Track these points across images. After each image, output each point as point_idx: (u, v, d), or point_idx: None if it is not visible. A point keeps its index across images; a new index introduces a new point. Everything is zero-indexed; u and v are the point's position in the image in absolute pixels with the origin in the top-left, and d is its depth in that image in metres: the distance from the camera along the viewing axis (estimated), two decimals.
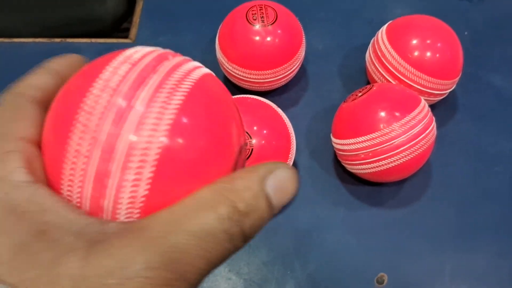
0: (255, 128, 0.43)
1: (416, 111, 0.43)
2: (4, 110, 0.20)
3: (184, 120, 0.18)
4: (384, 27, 0.50)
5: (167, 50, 0.21)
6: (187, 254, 0.17)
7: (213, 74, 0.22)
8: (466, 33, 0.59)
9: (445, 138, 0.51)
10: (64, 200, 0.18)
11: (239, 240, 0.18)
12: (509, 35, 0.59)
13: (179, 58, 0.21)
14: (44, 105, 0.21)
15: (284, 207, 0.20)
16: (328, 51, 0.58)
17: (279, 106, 0.49)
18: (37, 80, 0.22)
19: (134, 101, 0.18)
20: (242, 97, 0.47)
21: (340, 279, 0.45)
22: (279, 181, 0.19)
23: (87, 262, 0.16)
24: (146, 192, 0.18)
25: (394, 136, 0.42)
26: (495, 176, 0.49)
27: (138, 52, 0.20)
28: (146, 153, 0.17)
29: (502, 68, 0.56)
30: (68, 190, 0.18)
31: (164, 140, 0.18)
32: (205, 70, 0.21)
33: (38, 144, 0.20)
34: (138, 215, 0.18)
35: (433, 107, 0.52)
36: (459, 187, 0.49)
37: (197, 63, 0.21)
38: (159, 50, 0.21)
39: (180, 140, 0.18)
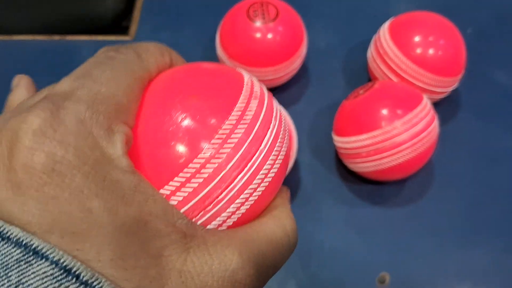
0: None
1: (418, 108, 0.42)
2: (125, 74, 0.19)
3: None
4: (386, 24, 0.50)
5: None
6: (266, 258, 0.19)
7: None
8: (469, 30, 0.58)
9: (449, 135, 0.51)
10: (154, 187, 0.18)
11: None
12: None
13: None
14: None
15: None
16: (331, 48, 0.58)
17: (281, 104, 0.48)
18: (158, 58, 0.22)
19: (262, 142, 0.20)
20: None
21: (341, 278, 0.44)
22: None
23: (189, 257, 0.17)
24: (243, 211, 0.20)
25: (396, 134, 0.41)
26: (499, 174, 0.49)
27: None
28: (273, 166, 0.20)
29: (507, 65, 0.56)
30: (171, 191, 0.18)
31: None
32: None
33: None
34: (230, 223, 0.20)
35: (436, 104, 0.52)
36: (462, 185, 0.48)
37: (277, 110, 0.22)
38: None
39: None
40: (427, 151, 0.43)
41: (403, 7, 0.60)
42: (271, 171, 0.20)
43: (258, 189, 0.20)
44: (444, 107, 0.52)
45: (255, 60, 0.48)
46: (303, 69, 0.55)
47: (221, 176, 0.18)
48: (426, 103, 0.43)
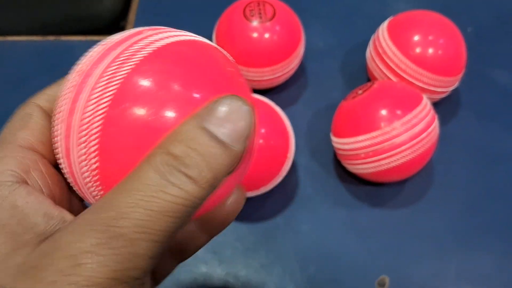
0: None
1: (418, 109, 0.42)
2: (15, 120, 0.22)
3: (129, 88, 0.18)
4: (385, 23, 0.49)
5: (154, 27, 0.21)
6: (122, 210, 0.16)
7: (200, 41, 0.21)
8: (469, 29, 0.57)
9: (449, 136, 0.50)
10: (44, 199, 0.19)
11: (186, 184, 0.17)
12: None
13: (155, 30, 0.20)
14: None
15: (248, 146, 0.18)
16: (329, 47, 0.57)
17: (278, 105, 0.48)
18: (51, 91, 0.23)
19: (88, 79, 0.18)
20: None
21: (340, 281, 0.43)
22: (223, 113, 0.17)
23: (33, 251, 0.17)
24: (97, 164, 0.18)
25: (395, 135, 0.41)
26: (499, 175, 0.48)
27: (122, 33, 0.21)
28: (90, 126, 0.18)
29: (507, 64, 0.55)
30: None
31: (105, 109, 0.18)
32: (181, 38, 0.21)
33: (42, 151, 0.21)
34: (100, 191, 0.19)
35: (436, 104, 0.51)
36: (462, 186, 0.48)
37: (179, 33, 0.21)
38: (143, 28, 0.21)
39: (124, 107, 0.18)
40: (427, 152, 0.42)
41: (401, 6, 0.60)
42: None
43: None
44: (444, 107, 0.52)
45: (252, 60, 0.47)
46: (301, 70, 0.55)
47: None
48: (426, 103, 0.43)
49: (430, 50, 0.46)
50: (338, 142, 0.44)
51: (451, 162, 0.49)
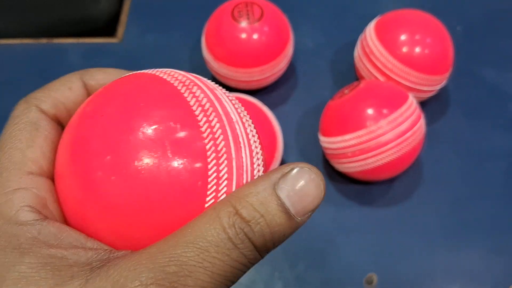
0: None
1: (404, 107, 0.42)
2: (19, 128, 0.19)
3: None
4: (372, 23, 0.49)
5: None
6: (186, 267, 0.15)
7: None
8: (458, 28, 0.58)
9: (437, 134, 0.51)
10: (74, 232, 0.18)
11: (249, 251, 0.16)
12: (503, 30, 0.58)
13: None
14: (60, 122, 0.21)
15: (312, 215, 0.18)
16: (318, 48, 0.57)
17: (267, 105, 0.48)
18: (56, 93, 0.21)
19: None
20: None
21: (329, 279, 0.44)
22: (296, 184, 0.17)
23: (85, 286, 0.16)
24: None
25: (381, 134, 0.41)
26: (487, 173, 0.48)
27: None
28: None
29: (496, 63, 0.55)
30: None
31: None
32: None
33: (52, 173, 0.20)
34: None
35: (424, 103, 0.52)
36: (450, 184, 0.48)
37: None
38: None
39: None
40: (413, 151, 0.43)
41: (391, 6, 0.60)
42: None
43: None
44: (433, 105, 0.52)
45: (240, 60, 0.48)
46: (290, 70, 0.55)
47: None
48: (411, 102, 0.43)
49: (417, 49, 0.46)
50: (326, 141, 0.45)
51: (439, 160, 0.49)
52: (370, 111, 0.42)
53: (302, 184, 0.17)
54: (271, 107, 0.52)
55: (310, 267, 0.44)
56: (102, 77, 0.22)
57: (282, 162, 0.49)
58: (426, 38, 0.47)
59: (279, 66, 0.49)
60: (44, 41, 0.57)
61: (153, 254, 0.16)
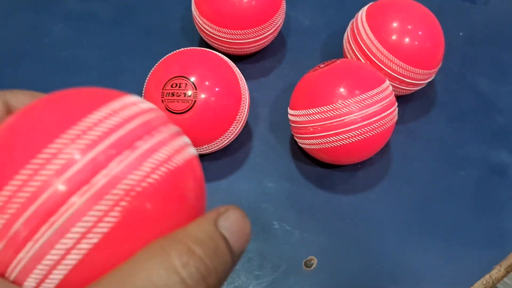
0: (206, 83, 0.41)
1: (376, 90, 0.40)
2: None
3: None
4: (366, 7, 0.48)
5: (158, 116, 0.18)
6: None
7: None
8: (461, 33, 0.56)
9: (414, 132, 0.49)
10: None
11: None
12: (504, 42, 0.56)
13: (165, 134, 0.18)
14: None
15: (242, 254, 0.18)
16: (314, 27, 0.56)
17: (250, 74, 0.47)
18: None
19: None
20: (204, 50, 0.44)
21: (267, 254, 0.42)
22: (233, 221, 0.17)
23: None
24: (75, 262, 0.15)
25: (346, 113, 0.39)
26: (457, 179, 0.46)
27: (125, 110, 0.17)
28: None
29: (490, 74, 0.53)
30: None
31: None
32: (191, 152, 0.19)
33: None
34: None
35: (409, 99, 0.50)
36: (416, 184, 0.46)
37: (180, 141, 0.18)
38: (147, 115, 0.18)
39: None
40: (379, 137, 0.41)
41: None
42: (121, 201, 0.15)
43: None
44: (418, 103, 0.50)
45: (224, 20, 0.47)
46: (280, 44, 0.54)
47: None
48: (386, 88, 0.41)
49: (405, 39, 0.44)
50: (292, 114, 0.43)
51: (411, 158, 0.47)
52: (340, 89, 0.40)
53: (238, 222, 0.17)
54: (253, 76, 0.51)
55: (254, 241, 0.43)
56: (26, 98, 0.20)
57: (251, 133, 0.47)
58: (418, 30, 0.45)
59: (264, 33, 0.48)
60: None
61: None
